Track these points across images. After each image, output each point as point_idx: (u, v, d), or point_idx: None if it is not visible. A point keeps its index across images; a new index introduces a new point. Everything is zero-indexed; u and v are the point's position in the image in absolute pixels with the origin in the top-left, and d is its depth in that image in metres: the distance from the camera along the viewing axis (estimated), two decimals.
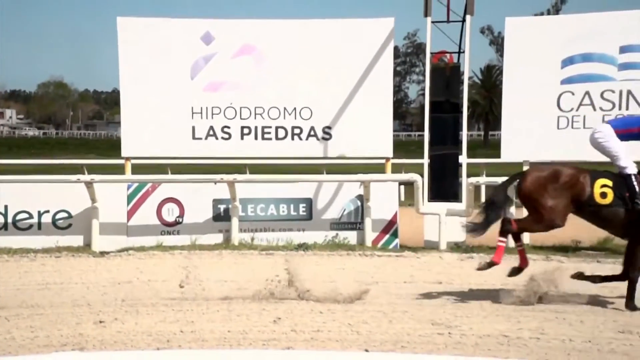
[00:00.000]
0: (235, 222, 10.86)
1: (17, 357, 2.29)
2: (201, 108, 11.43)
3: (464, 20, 11.55)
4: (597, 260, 9.69)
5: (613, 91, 10.67)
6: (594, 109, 10.72)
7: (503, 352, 5.61)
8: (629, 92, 10.61)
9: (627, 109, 10.60)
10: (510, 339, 5.91)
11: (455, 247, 10.47)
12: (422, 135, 11.77)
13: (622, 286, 7.69)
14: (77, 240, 10.82)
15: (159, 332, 6.14)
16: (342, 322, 6.41)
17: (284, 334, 6.07)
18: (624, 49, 10.67)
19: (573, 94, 10.78)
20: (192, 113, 11.42)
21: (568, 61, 10.81)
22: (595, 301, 7.34)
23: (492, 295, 7.57)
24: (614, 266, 9.21)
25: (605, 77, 10.72)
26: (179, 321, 6.51)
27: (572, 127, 10.79)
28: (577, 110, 10.77)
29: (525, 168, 11.11)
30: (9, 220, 10.78)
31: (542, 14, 52.05)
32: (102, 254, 10.23)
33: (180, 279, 8.39)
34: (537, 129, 10.88)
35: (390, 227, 10.93)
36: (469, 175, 11.20)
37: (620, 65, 10.69)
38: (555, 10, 70.85)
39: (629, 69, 10.65)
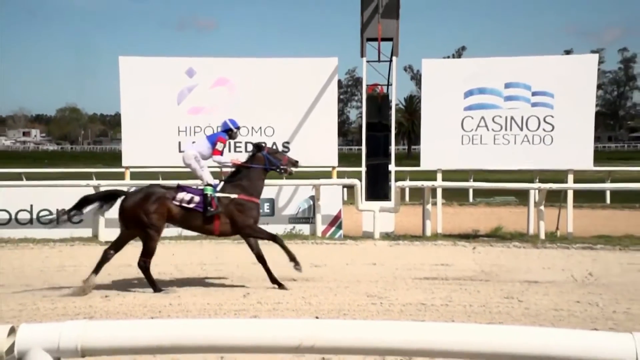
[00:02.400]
0: None
1: (41, 324, 2.25)
2: (186, 127, 11.34)
3: (391, 61, 11.71)
4: (490, 244, 9.87)
5: (500, 116, 10.94)
6: (488, 130, 10.96)
7: (420, 316, 5.72)
8: (512, 118, 10.92)
9: (510, 129, 10.93)
10: (426, 306, 6.01)
11: (386, 236, 10.56)
12: (360, 149, 11.86)
13: (508, 266, 7.89)
14: (87, 232, 10.76)
15: (152, 305, 6.12)
16: (297, 296, 6.45)
17: (252, 306, 6.08)
18: (508, 85, 10.97)
19: (472, 118, 11.00)
20: (179, 131, 11.31)
21: (468, 93, 11.03)
22: (490, 278, 7.53)
23: (413, 273, 7.70)
24: (503, 249, 9.53)
25: (495, 106, 10.98)
26: (168, 296, 6.49)
27: (472, 144, 11.00)
28: (475, 130, 10.98)
29: (439, 175, 11.35)
30: (34, 216, 10.79)
31: (449, 56, 53.28)
32: (107, 243, 10.08)
33: (170, 263, 8.33)
34: (447, 144, 11.05)
35: (335, 221, 11.00)
36: (396, 180, 11.30)
37: (505, 97, 10.97)
38: (458, 54, 72.62)
39: (512, 100, 10.95)
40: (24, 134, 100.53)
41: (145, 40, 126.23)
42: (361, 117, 12.88)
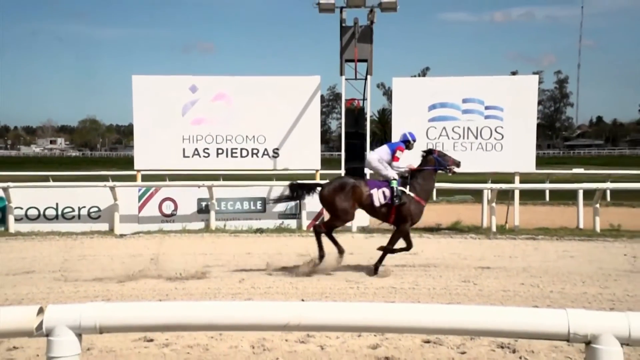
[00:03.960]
0: (212, 214, 10.74)
1: (65, 305, 2.24)
2: (189, 136, 11.26)
3: (366, 79, 11.74)
4: (450, 236, 9.94)
5: (459, 127, 11.02)
6: (448, 138, 11.03)
7: (391, 297, 5.75)
8: (469, 128, 11.01)
9: (467, 138, 11.02)
10: (397, 289, 6.04)
11: (362, 230, 10.56)
12: (340, 154, 11.86)
13: (465, 254, 7.95)
14: (104, 227, 10.64)
15: (160, 289, 6.08)
16: (285, 281, 6.44)
17: (246, 290, 6.06)
18: (465, 100, 11.05)
19: (435, 128, 11.06)
20: (183, 139, 11.23)
21: (432, 107, 11.09)
22: (450, 265, 7.58)
23: (385, 261, 7.71)
24: (461, 240, 9.60)
25: (454, 118, 11.06)
26: (174, 281, 6.44)
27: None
28: (438, 139, 11.04)
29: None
30: (59, 212, 10.68)
31: (415, 75, 53.71)
32: (121, 235, 10.06)
33: (176, 252, 8.26)
34: (413, 150, 11.04)
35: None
36: None
37: (463, 111, 11.05)
38: (423, 74, 73.16)
39: (468, 113, 11.05)
40: (51, 142, 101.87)
41: (155, 62, 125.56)
42: (341, 127, 12.88)
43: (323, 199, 7.12)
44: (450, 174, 7.52)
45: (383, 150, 7.49)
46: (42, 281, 6.48)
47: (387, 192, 7.03)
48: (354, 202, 7.00)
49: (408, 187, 7.12)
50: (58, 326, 2.09)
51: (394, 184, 7.06)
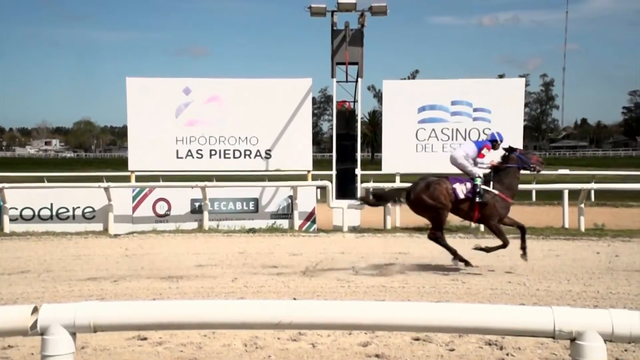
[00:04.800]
0: (206, 214, 10.70)
1: (60, 304, 2.22)
2: (182, 137, 11.22)
3: (357, 81, 11.74)
4: None
5: (448, 128, 11.09)
6: (437, 140, 11.11)
7: (382, 296, 5.74)
8: (457, 130, 11.09)
9: (456, 139, 11.09)
10: (387, 288, 6.03)
11: (353, 229, 10.57)
12: (332, 156, 11.86)
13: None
14: (99, 227, 10.56)
15: (154, 288, 6.04)
16: (277, 280, 6.41)
17: (239, 289, 6.04)
18: (453, 102, 11.12)
19: (425, 130, 11.12)
20: (176, 141, 11.20)
21: (422, 109, 11.14)
22: (439, 264, 7.59)
23: (375, 260, 7.72)
24: (450, 239, 9.62)
25: (443, 119, 11.13)
26: (168, 280, 6.41)
27: (425, 151, 11.13)
28: (427, 140, 11.11)
29: (397, 178, 11.42)
30: (54, 212, 10.59)
31: (405, 78, 53.80)
32: (116, 235, 9.99)
33: (170, 251, 8.22)
34: (404, 152, 11.14)
35: (310, 217, 10.98)
36: (361, 182, 11.32)
37: (452, 113, 11.12)
38: (413, 76, 73.35)
39: (457, 115, 11.12)
40: (46, 143, 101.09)
41: (149, 64, 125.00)
42: (332, 128, 12.90)
43: (415, 203, 7.01)
44: (535, 173, 7.35)
45: (469, 147, 7.40)
46: (36, 281, 6.43)
47: (470, 186, 6.94)
48: (444, 197, 6.93)
49: (491, 184, 7.01)
50: (52, 325, 2.07)
51: (478, 181, 6.96)
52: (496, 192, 6.99)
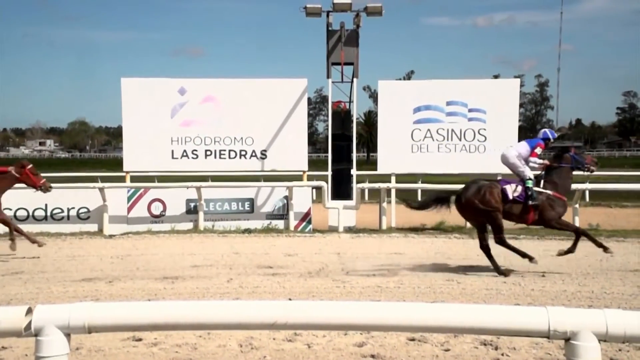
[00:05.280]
0: (201, 214, 10.68)
1: (54, 305, 2.21)
2: (178, 138, 11.19)
3: (352, 81, 11.72)
4: (435, 236, 9.98)
5: (443, 129, 11.10)
6: (433, 140, 11.12)
7: (377, 296, 5.75)
8: (452, 130, 11.10)
9: (451, 140, 11.11)
10: (382, 288, 6.03)
11: (348, 230, 10.57)
12: (327, 156, 11.87)
13: (449, 253, 7.99)
14: (93, 227, 10.51)
15: (149, 289, 6.02)
16: (273, 281, 6.40)
17: (234, 289, 6.02)
18: (449, 103, 11.14)
19: (420, 130, 11.12)
20: (172, 141, 11.16)
21: (417, 109, 11.15)
22: (434, 264, 7.61)
23: (371, 261, 7.72)
24: (446, 239, 9.66)
25: (439, 120, 11.14)
26: (163, 281, 6.40)
27: (420, 152, 11.13)
28: (423, 141, 11.11)
29: (392, 178, 11.42)
30: (48, 213, 10.54)
31: (400, 79, 53.83)
32: (110, 236, 9.95)
33: (165, 252, 8.19)
34: (399, 152, 11.13)
35: (306, 217, 10.97)
36: (357, 182, 11.31)
37: (447, 113, 11.14)
38: (408, 77, 73.46)
39: (452, 116, 11.13)
40: (40, 144, 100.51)
41: (144, 65, 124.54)
42: (327, 129, 12.90)
43: (465, 207, 6.89)
44: (589, 173, 7.21)
45: (522, 146, 7.22)
46: (31, 281, 6.39)
47: (520, 188, 6.80)
48: (496, 200, 6.79)
49: (543, 183, 6.87)
50: (47, 326, 2.06)
51: (530, 183, 6.81)
52: (550, 192, 6.83)
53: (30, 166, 8.39)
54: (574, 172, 7.14)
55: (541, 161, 7.14)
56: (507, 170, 7.35)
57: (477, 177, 7.65)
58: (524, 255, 6.81)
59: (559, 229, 7.06)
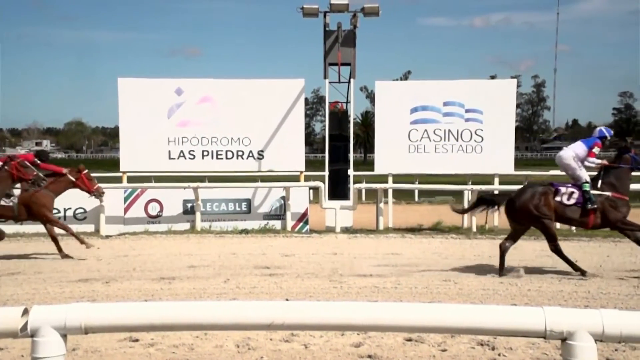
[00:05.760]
0: (198, 215, 10.65)
1: (50, 306, 2.20)
2: (175, 138, 11.16)
3: (349, 82, 11.75)
4: (431, 236, 9.99)
5: (440, 129, 11.10)
6: (430, 141, 11.11)
7: (374, 296, 5.75)
8: (449, 130, 11.09)
9: (448, 140, 11.12)
10: (379, 288, 6.03)
11: (345, 230, 10.56)
12: (324, 156, 11.86)
13: (446, 254, 7.99)
14: (90, 228, 10.45)
15: (146, 289, 6.00)
16: (270, 281, 6.39)
17: (231, 290, 6.01)
18: (446, 103, 11.13)
19: (417, 130, 11.11)
20: (169, 141, 11.13)
21: (414, 110, 11.14)
22: (431, 264, 7.62)
23: (368, 261, 7.72)
24: (442, 239, 9.68)
25: (436, 120, 11.14)
26: (160, 282, 6.38)
27: (417, 152, 11.13)
28: (420, 141, 11.10)
29: (389, 178, 11.43)
30: None
31: (397, 79, 53.87)
32: (107, 237, 9.92)
33: (162, 252, 8.17)
34: (396, 153, 11.12)
35: (303, 217, 10.96)
36: (354, 183, 11.31)
37: (444, 113, 11.13)
38: (405, 77, 73.54)
39: (449, 116, 11.12)
40: (37, 144, 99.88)
41: (141, 65, 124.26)
42: (324, 129, 12.90)
43: (518, 212, 6.69)
44: None
45: (578, 147, 6.99)
46: (27, 282, 6.37)
47: (577, 192, 6.61)
48: (549, 207, 6.62)
49: (600, 183, 6.67)
50: (43, 327, 2.06)
51: (587, 187, 6.61)
52: (609, 193, 6.65)
53: (86, 171, 8.49)
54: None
55: (599, 161, 6.94)
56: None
57: (533, 182, 7.41)
58: (576, 268, 6.60)
59: (624, 230, 6.70)
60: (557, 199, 6.64)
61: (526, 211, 6.67)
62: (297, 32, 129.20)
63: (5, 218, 7.94)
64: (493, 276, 6.64)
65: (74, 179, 8.26)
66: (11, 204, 7.90)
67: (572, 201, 6.63)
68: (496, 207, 7.12)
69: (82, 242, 8.01)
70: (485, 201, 7.10)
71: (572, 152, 6.96)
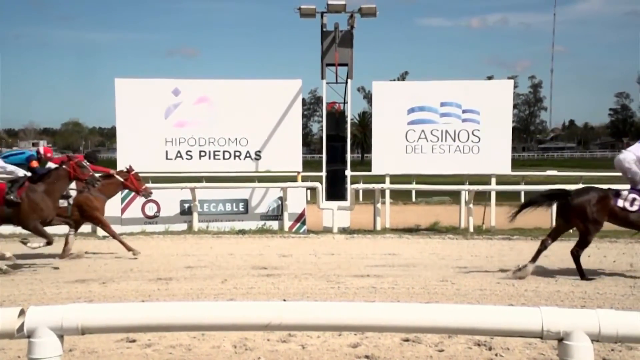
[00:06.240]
0: (195, 215, 10.65)
1: (47, 306, 2.20)
2: (172, 139, 11.16)
3: (346, 82, 11.75)
4: (429, 236, 10.00)
5: (437, 130, 11.13)
6: (427, 141, 11.14)
7: (372, 297, 5.74)
8: (447, 131, 11.12)
9: (445, 141, 11.14)
10: (377, 289, 6.02)
11: (343, 231, 10.56)
12: (321, 157, 11.86)
13: (443, 254, 8.00)
14: (87, 228, 10.28)
15: (143, 290, 5.99)
16: (267, 282, 6.38)
17: (229, 290, 6.00)
18: (443, 104, 11.16)
19: (414, 131, 11.14)
20: (166, 142, 11.13)
21: (411, 110, 11.17)
22: (429, 264, 7.63)
23: (365, 261, 7.73)
24: (440, 240, 9.70)
25: (433, 121, 11.16)
26: (157, 282, 6.37)
27: (414, 153, 11.15)
28: (417, 141, 11.13)
29: (387, 179, 11.44)
30: None
31: (394, 79, 53.93)
32: (104, 237, 9.83)
33: (159, 253, 8.16)
34: (393, 153, 11.15)
35: (300, 218, 10.96)
36: (351, 183, 11.32)
37: (441, 114, 11.16)
38: (402, 78, 73.55)
39: (446, 117, 11.16)
40: (33, 144, 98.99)
41: (139, 65, 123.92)
42: (322, 130, 12.90)
43: (574, 210, 6.53)
44: None
45: (639, 149, 6.66)
46: (23, 283, 6.35)
47: (639, 198, 6.46)
48: (605, 214, 6.51)
49: None
50: (39, 327, 2.05)
51: None
52: None
53: (134, 172, 8.53)
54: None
55: None
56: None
57: (591, 186, 7.22)
58: (582, 275, 6.55)
59: None
60: (620, 204, 6.50)
61: (582, 211, 6.52)
62: (294, 33, 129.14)
63: (60, 217, 7.84)
64: (490, 276, 6.65)
65: (123, 180, 8.32)
66: (66, 204, 7.89)
67: (635, 207, 6.50)
68: (548, 203, 7.00)
69: (128, 249, 7.98)
70: (537, 201, 6.89)
71: (633, 155, 6.68)
